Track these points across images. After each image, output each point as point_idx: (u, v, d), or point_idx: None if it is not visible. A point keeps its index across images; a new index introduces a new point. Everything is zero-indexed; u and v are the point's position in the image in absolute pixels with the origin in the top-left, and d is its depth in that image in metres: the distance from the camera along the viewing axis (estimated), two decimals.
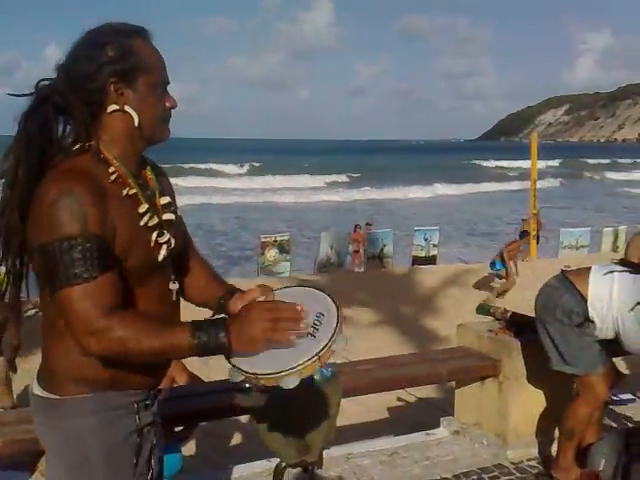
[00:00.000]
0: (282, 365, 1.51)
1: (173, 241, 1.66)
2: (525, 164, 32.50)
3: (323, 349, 1.51)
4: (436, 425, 3.93)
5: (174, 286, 1.69)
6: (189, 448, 4.92)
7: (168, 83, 1.66)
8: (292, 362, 1.51)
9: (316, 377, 3.23)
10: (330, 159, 62.69)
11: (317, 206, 30.30)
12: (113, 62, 1.55)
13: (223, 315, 1.65)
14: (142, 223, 1.58)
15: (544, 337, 3.17)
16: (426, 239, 14.00)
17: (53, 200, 1.46)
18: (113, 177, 1.56)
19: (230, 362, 1.57)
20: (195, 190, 32.09)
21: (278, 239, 12.50)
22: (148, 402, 1.69)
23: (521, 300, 8.59)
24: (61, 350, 1.59)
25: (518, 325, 3.67)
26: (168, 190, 1.77)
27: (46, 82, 1.58)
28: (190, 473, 3.51)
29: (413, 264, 13.75)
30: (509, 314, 3.81)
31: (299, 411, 3.04)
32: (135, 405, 1.65)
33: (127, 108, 1.58)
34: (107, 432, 1.60)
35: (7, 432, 2.59)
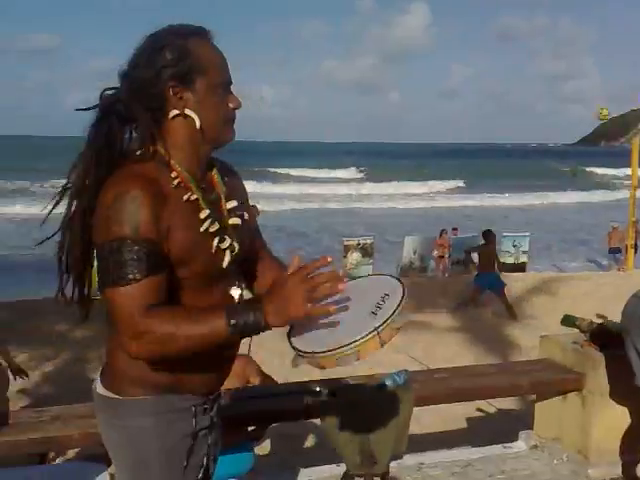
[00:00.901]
0: (340, 341, 1.48)
1: (237, 246, 1.64)
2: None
3: (383, 324, 1.48)
4: (514, 438, 3.81)
5: (235, 292, 1.68)
6: (264, 448, 4.98)
7: (231, 83, 1.63)
8: (350, 338, 1.48)
9: (388, 383, 3.22)
10: (432, 163, 61.03)
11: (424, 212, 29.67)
12: (170, 65, 1.54)
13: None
14: (202, 229, 1.57)
15: (630, 351, 3.00)
16: (515, 245, 13.60)
17: (110, 203, 1.48)
18: (175, 182, 1.56)
19: (291, 345, 1.56)
20: (289, 196, 31.98)
21: (361, 242, 12.47)
22: (206, 406, 1.70)
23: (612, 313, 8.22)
24: (123, 352, 1.59)
25: (605, 338, 3.49)
26: (237, 193, 1.74)
27: (110, 92, 1.59)
28: (263, 473, 3.54)
29: (500, 271, 13.36)
30: (595, 326, 3.64)
31: (367, 417, 3.02)
32: (193, 409, 1.66)
33: (188, 111, 1.56)
34: (164, 435, 1.62)
35: (82, 425, 2.70)
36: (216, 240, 1.59)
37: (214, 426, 1.75)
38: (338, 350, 1.48)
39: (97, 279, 1.52)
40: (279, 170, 46.98)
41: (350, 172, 51.23)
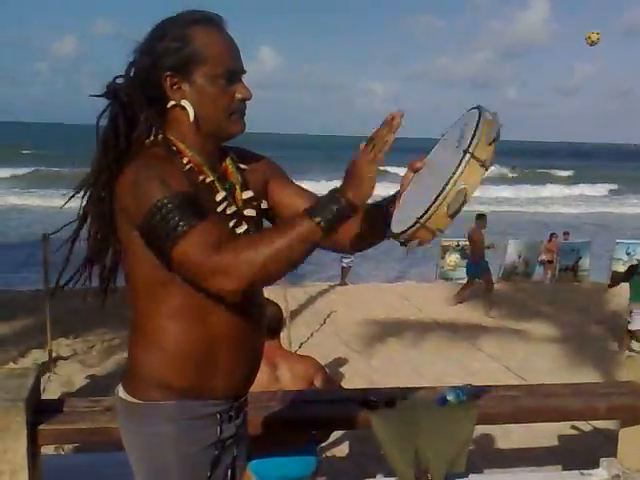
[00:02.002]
0: (438, 187, 1.34)
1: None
2: None
3: (470, 144, 1.32)
4: (595, 464, 3.49)
5: None
6: (342, 450, 4.91)
7: (240, 72, 1.55)
8: (445, 179, 1.33)
9: (450, 398, 3.02)
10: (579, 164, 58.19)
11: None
12: (168, 54, 1.49)
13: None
14: (219, 209, 1.52)
15: None
16: (629, 253, 12.74)
17: (131, 181, 1.45)
18: (188, 167, 1.52)
19: (396, 238, 1.47)
20: None
21: (461, 244, 12.08)
22: (232, 413, 1.62)
23: None
24: (146, 353, 1.57)
25: None
26: (255, 181, 1.67)
27: (117, 80, 1.57)
28: (335, 476, 3.42)
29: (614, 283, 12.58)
30: None
31: (425, 431, 2.85)
32: (218, 416, 1.59)
33: (184, 102, 1.51)
34: (186, 442, 1.56)
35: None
36: (232, 223, 1.54)
37: (240, 436, 1.67)
38: (440, 198, 1.33)
39: (160, 259, 1.47)
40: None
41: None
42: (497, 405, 3.00)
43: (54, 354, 6.67)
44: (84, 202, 1.61)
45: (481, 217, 10.55)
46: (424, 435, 2.83)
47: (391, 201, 1.60)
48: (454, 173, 1.32)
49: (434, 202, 1.34)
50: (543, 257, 13.47)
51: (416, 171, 1.54)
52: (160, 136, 1.54)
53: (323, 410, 2.91)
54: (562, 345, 8.26)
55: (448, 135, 1.52)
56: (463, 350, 7.94)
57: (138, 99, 1.53)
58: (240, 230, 1.55)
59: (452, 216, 1.35)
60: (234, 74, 1.53)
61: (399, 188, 1.57)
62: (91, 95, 1.58)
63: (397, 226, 1.49)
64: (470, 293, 10.49)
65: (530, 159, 60.89)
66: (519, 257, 12.82)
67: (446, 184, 1.33)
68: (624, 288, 11.26)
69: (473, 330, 8.75)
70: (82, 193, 1.61)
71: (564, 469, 3.59)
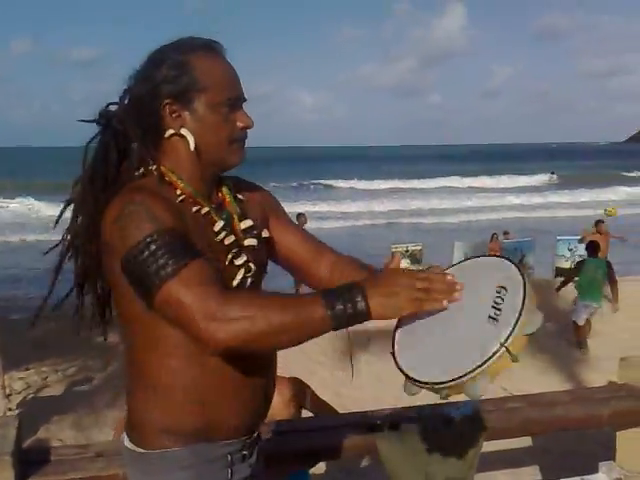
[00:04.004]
0: (463, 366, 1.23)
1: (253, 267, 1.49)
2: None
3: (510, 336, 1.22)
4: (593, 468, 3.48)
5: None
6: (319, 467, 4.77)
7: (242, 100, 1.49)
8: (472, 361, 1.22)
9: (454, 415, 2.92)
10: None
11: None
12: (167, 82, 1.42)
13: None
14: (218, 239, 1.44)
15: None
16: (571, 249, 13.10)
17: (117, 214, 1.35)
18: (180, 198, 1.43)
19: (400, 369, 1.35)
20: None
21: (410, 248, 12.16)
22: (245, 452, 1.51)
23: None
24: (147, 396, 1.45)
25: None
26: (255, 210, 1.59)
27: (110, 107, 1.49)
28: None
29: (556, 276, 12.91)
30: None
31: (431, 452, 2.75)
32: (229, 457, 1.48)
33: (183, 131, 1.43)
34: None
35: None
36: (230, 255, 1.46)
37: (256, 474, 1.57)
38: (465, 377, 1.23)
39: (141, 298, 1.36)
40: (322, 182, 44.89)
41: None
42: (502, 419, 2.94)
43: (7, 390, 6.31)
44: (69, 230, 1.52)
45: None
46: (433, 458, 2.74)
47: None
48: (484, 362, 1.24)
49: (455, 379, 1.26)
50: None
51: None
52: (153, 167, 1.45)
53: (330, 438, 2.76)
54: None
55: (479, 272, 1.40)
56: None
57: (133, 128, 1.45)
58: (238, 262, 1.47)
59: (468, 394, 1.27)
60: (235, 102, 1.47)
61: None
62: (80, 120, 1.50)
63: (412, 369, 1.35)
64: None
65: (461, 164, 62.29)
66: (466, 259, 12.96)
67: (472, 370, 1.24)
68: (569, 287, 11.60)
69: None
70: (71, 218, 1.53)
71: (562, 474, 3.56)
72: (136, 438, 1.48)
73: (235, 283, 1.46)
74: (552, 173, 45.00)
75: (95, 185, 1.47)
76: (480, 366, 1.23)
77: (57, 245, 1.54)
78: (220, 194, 1.54)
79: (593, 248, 8.13)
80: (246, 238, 1.51)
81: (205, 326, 1.26)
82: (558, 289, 9.02)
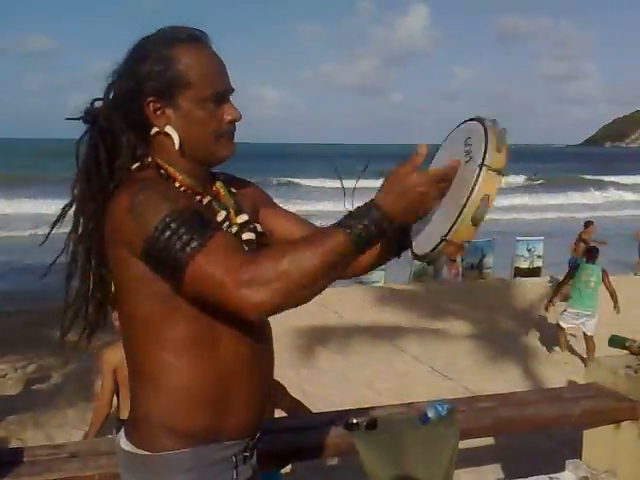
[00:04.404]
0: (459, 203, 1.30)
1: None
2: None
3: (485, 154, 1.31)
4: (559, 466, 3.55)
5: None
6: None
7: (229, 92, 1.46)
8: (464, 194, 1.30)
9: (430, 415, 2.95)
10: None
11: None
12: (150, 78, 1.39)
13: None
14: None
15: None
16: (529, 250, 13.36)
17: (129, 204, 1.32)
18: (182, 189, 1.42)
19: (418, 257, 1.43)
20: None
21: None
22: (247, 453, 1.50)
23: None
24: (150, 395, 1.42)
25: None
26: (249, 203, 1.59)
27: (96, 103, 1.46)
28: None
29: (515, 276, 13.16)
30: None
31: (408, 453, 2.76)
32: (234, 459, 1.46)
33: (168, 129, 1.41)
34: None
35: (105, 464, 2.44)
36: None
37: (255, 477, 1.56)
38: (465, 212, 1.30)
39: (168, 279, 1.34)
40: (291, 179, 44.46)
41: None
42: (476, 418, 2.98)
43: None
44: (70, 235, 1.48)
45: None
46: (410, 458, 2.76)
47: None
48: (474, 186, 1.30)
49: (458, 217, 1.31)
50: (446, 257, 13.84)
51: None
52: (148, 159, 1.43)
53: (305, 438, 2.76)
54: (479, 342, 8.49)
55: (447, 150, 1.48)
56: (387, 353, 8.01)
57: (118, 124, 1.41)
58: None
59: (477, 225, 1.33)
60: (222, 95, 1.44)
61: None
62: (68, 118, 1.46)
63: (420, 246, 1.44)
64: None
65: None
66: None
67: (467, 198, 1.30)
68: (528, 286, 11.79)
69: (394, 332, 8.84)
70: (73, 222, 1.49)
71: (526, 473, 3.63)
72: (137, 439, 1.44)
73: None
74: (534, 174, 45.31)
75: (92, 185, 1.43)
76: (471, 193, 1.30)
77: (47, 237, 1.49)
78: (214, 188, 1.52)
79: (590, 253, 8.18)
80: (243, 232, 1.50)
81: (243, 293, 1.23)
82: (550, 299, 8.77)
